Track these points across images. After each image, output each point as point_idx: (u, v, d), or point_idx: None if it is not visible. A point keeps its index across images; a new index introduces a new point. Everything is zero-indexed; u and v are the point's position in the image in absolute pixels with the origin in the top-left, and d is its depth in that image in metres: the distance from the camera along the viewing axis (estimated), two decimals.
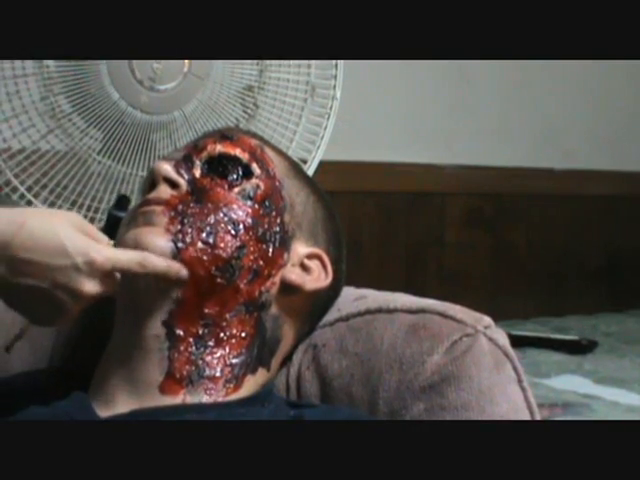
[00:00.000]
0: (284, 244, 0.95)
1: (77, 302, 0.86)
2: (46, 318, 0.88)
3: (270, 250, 0.94)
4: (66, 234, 0.86)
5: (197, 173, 0.95)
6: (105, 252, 0.87)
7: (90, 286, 0.86)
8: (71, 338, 1.07)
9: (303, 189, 0.99)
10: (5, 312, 1.08)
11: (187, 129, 1.64)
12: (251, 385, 0.93)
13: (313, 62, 1.71)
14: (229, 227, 0.92)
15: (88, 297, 0.86)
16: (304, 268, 0.96)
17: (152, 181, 0.96)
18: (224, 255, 0.91)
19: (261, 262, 0.93)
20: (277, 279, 0.95)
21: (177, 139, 1.64)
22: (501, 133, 2.78)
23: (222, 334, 0.92)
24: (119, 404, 0.90)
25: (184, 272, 0.90)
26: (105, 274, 0.87)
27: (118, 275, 0.88)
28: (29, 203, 1.70)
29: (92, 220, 1.75)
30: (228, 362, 0.92)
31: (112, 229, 0.97)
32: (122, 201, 0.99)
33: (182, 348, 0.91)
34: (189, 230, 0.91)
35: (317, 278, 0.97)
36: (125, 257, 0.88)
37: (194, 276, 0.91)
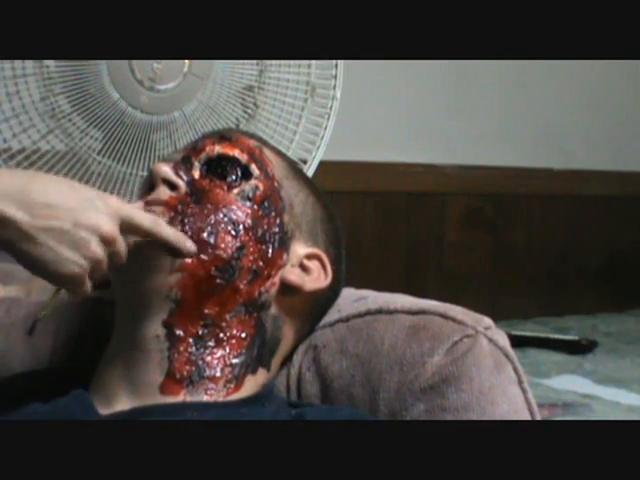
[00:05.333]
0: (283, 245, 0.95)
1: (100, 243, 0.84)
2: (71, 272, 0.85)
3: (269, 251, 0.94)
4: (77, 184, 0.87)
5: (196, 174, 0.95)
6: (120, 201, 0.87)
7: (109, 224, 0.85)
8: (71, 338, 1.07)
9: (302, 190, 0.99)
10: (5, 316, 1.09)
11: (187, 129, 1.64)
12: (251, 385, 0.93)
13: (313, 62, 1.71)
14: (229, 228, 0.92)
15: (108, 237, 0.85)
16: (304, 268, 0.96)
17: (151, 183, 0.96)
18: (224, 256, 0.91)
19: (261, 263, 0.93)
20: (277, 279, 0.95)
21: (177, 139, 1.64)
22: (501, 133, 2.78)
23: (222, 334, 0.92)
24: (119, 403, 0.90)
25: (190, 244, 0.90)
26: (122, 223, 0.86)
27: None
28: None
29: None
30: (228, 362, 0.92)
31: None
32: None
33: (182, 348, 0.91)
34: (188, 231, 0.91)
35: (317, 278, 0.97)
36: (140, 211, 0.88)
37: (193, 276, 0.91)
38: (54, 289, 0.92)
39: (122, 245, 0.87)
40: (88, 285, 0.86)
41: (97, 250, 0.84)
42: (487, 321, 0.96)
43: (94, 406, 0.89)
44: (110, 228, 0.85)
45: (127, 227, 0.87)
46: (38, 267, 0.85)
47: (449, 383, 0.91)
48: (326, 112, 1.72)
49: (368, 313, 0.98)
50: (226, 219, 0.92)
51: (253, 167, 0.96)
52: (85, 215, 0.84)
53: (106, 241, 0.85)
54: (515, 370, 0.94)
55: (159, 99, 1.61)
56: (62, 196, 0.84)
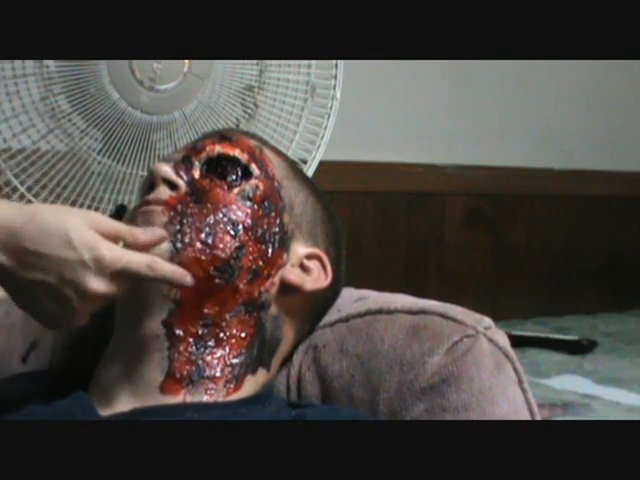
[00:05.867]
0: (283, 244, 0.95)
1: (84, 301, 0.85)
2: (55, 319, 0.86)
3: (269, 250, 0.94)
4: (75, 228, 0.84)
5: (196, 174, 0.95)
6: (117, 251, 0.85)
7: (97, 284, 0.84)
8: (71, 338, 1.07)
9: (302, 190, 0.99)
10: (5, 317, 1.08)
11: (187, 129, 1.64)
12: (251, 385, 0.93)
13: (313, 62, 1.71)
14: (228, 227, 0.92)
15: (94, 295, 0.84)
16: (303, 268, 0.96)
17: (151, 182, 0.96)
18: (223, 255, 0.91)
19: (260, 262, 0.93)
20: (276, 279, 0.94)
21: (177, 139, 1.64)
22: (501, 133, 2.78)
23: (222, 334, 0.92)
24: (119, 404, 0.90)
25: (189, 279, 0.89)
26: (116, 274, 0.85)
27: None
28: (29, 203, 1.70)
29: None
30: (228, 362, 0.92)
31: None
32: (121, 211, 0.99)
33: (182, 348, 0.91)
34: (188, 230, 0.91)
35: (316, 278, 0.97)
36: (136, 258, 0.86)
37: (193, 276, 0.90)
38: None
39: (120, 287, 0.86)
40: (77, 323, 0.87)
41: (79, 307, 0.85)
42: (487, 321, 0.96)
43: (94, 408, 0.89)
44: (96, 287, 0.84)
45: (123, 275, 0.86)
46: (25, 310, 0.88)
47: (449, 383, 0.91)
48: (326, 112, 1.72)
49: (368, 313, 0.98)
50: (226, 219, 0.92)
51: (253, 167, 0.96)
52: (72, 273, 0.84)
53: (90, 298, 0.85)
54: (515, 370, 0.94)
55: (159, 99, 1.61)
56: (53, 247, 0.84)
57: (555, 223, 2.89)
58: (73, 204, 1.73)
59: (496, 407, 0.91)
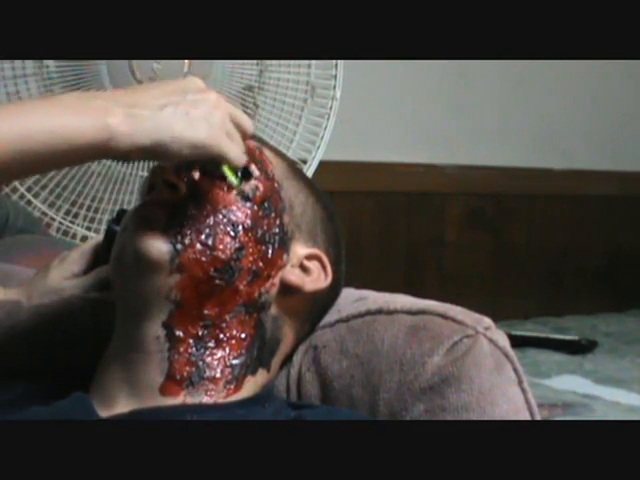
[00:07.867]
0: (283, 245, 0.95)
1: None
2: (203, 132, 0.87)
3: (269, 251, 0.94)
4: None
5: (196, 175, 0.95)
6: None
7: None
8: (71, 339, 1.07)
9: (302, 190, 0.99)
10: (6, 318, 1.08)
11: None
12: (251, 386, 0.93)
13: (313, 62, 1.71)
14: (228, 228, 0.92)
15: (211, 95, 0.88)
16: (304, 269, 0.96)
17: (151, 183, 0.95)
18: (223, 256, 0.91)
19: (260, 263, 0.93)
20: (277, 280, 0.94)
21: None
22: (501, 133, 2.78)
23: (222, 335, 0.92)
24: (119, 405, 0.90)
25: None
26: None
27: None
28: (29, 203, 1.70)
29: (92, 220, 1.75)
30: (228, 363, 0.92)
31: (111, 243, 0.97)
32: (122, 215, 0.99)
33: (182, 349, 0.91)
34: (188, 232, 0.91)
35: (317, 279, 0.96)
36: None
37: (193, 277, 0.90)
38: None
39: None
40: (238, 146, 0.89)
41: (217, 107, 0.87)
42: (487, 321, 0.96)
43: (94, 409, 0.89)
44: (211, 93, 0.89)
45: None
46: (181, 139, 0.86)
47: (449, 383, 0.91)
48: (326, 112, 1.73)
49: (368, 313, 0.98)
50: (225, 220, 0.92)
51: (253, 167, 0.96)
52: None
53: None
54: (515, 370, 0.94)
55: None
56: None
57: (555, 223, 2.90)
58: (73, 204, 1.73)
59: (496, 407, 0.91)
